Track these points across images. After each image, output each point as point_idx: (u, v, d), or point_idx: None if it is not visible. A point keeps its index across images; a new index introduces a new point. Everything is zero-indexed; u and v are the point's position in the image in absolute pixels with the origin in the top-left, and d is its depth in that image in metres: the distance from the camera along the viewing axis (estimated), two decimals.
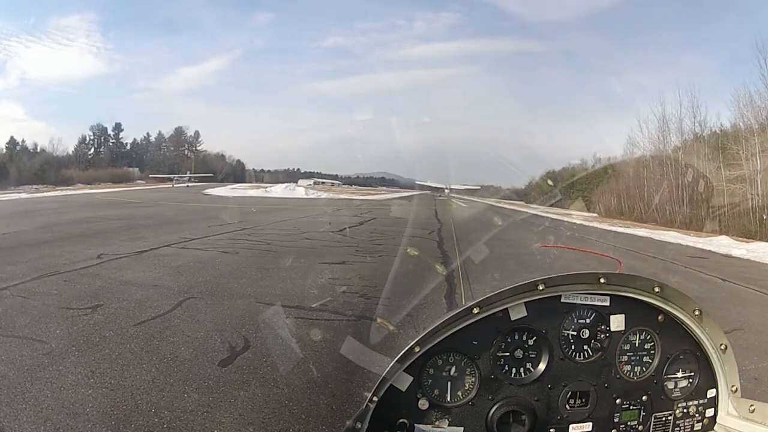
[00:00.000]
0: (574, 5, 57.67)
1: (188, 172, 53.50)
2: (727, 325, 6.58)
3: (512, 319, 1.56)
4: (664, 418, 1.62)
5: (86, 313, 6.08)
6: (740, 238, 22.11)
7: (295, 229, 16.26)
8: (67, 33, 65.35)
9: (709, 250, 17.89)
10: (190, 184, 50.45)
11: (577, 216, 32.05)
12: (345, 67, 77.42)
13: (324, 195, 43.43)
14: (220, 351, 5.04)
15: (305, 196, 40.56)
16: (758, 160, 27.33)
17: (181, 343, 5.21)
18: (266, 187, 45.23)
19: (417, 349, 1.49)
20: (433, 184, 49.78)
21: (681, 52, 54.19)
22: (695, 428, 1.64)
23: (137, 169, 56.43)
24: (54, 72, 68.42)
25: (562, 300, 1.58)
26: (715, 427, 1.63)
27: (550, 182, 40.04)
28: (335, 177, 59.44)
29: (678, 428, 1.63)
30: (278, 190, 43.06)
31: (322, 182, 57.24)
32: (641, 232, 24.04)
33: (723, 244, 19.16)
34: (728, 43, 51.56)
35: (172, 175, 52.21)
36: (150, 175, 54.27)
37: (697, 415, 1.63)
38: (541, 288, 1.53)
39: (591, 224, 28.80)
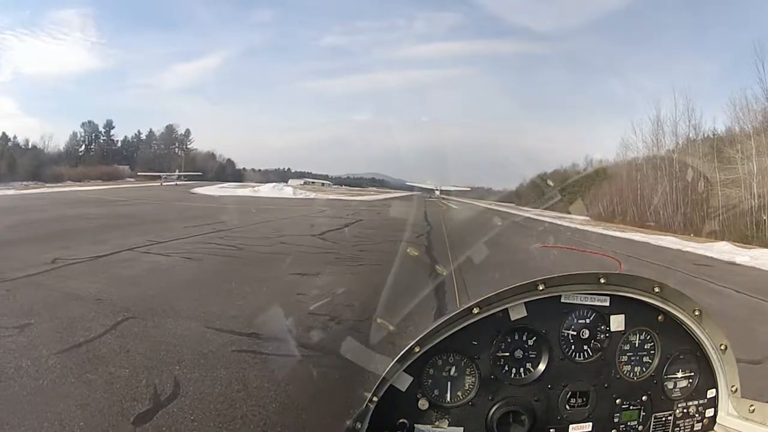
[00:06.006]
0: (572, 10, 56.93)
1: (177, 171, 52.24)
2: (758, 352, 5.71)
3: (512, 319, 1.56)
4: (664, 418, 1.62)
5: (11, 334, 5.30)
6: (740, 244, 21.76)
7: (274, 232, 15.33)
8: (62, 27, 64.00)
9: (712, 257, 17.18)
10: (178, 183, 49.75)
11: (569, 219, 31.05)
12: (339, 66, 76.75)
13: (312, 195, 42.63)
14: (139, 399, 4.04)
15: (293, 196, 39.82)
16: (754, 163, 27.03)
17: (99, 383, 4.28)
18: (254, 187, 43.89)
19: (417, 349, 1.50)
20: (424, 186, 49.37)
21: (677, 57, 53.53)
22: (695, 428, 1.63)
23: (127, 166, 55.38)
24: (48, 67, 67.40)
25: (562, 300, 1.57)
26: (715, 427, 1.62)
27: (550, 182, 39.09)
28: (325, 177, 58.76)
29: (678, 428, 1.62)
30: (266, 190, 42.41)
31: (312, 182, 56.60)
32: (638, 236, 23.40)
33: (724, 251, 18.49)
34: (725, 47, 51.23)
35: (161, 174, 50.86)
36: (138, 173, 52.89)
37: (697, 415, 1.63)
38: (541, 288, 1.53)
39: (585, 228, 28.22)
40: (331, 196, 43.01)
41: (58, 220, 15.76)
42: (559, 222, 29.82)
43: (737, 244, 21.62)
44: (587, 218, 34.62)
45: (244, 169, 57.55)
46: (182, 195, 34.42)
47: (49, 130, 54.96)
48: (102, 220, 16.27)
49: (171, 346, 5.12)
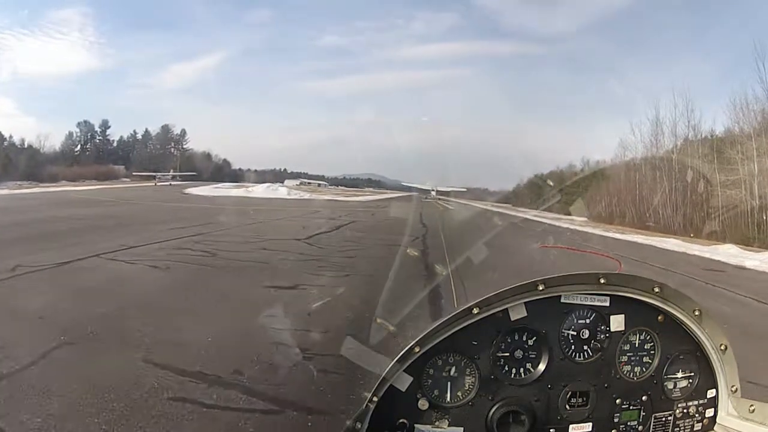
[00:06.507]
0: (570, 11, 56.10)
1: (171, 171, 51.64)
2: None
3: (512, 319, 1.56)
4: (664, 418, 1.62)
5: None
6: (746, 247, 21.21)
7: (257, 236, 14.33)
8: (60, 26, 63.61)
9: (721, 261, 16.39)
10: (173, 183, 49.34)
11: (567, 221, 30.11)
12: (337, 66, 76.00)
13: (307, 195, 41.97)
14: None
15: (287, 197, 39.18)
16: (755, 164, 26.51)
17: None
18: (248, 187, 43.01)
19: (417, 350, 1.49)
20: (420, 186, 48.47)
21: (676, 57, 52.81)
22: (695, 428, 1.63)
23: (123, 166, 54.93)
24: (46, 67, 67.00)
25: (562, 300, 1.57)
26: (715, 427, 1.63)
27: (550, 183, 38.19)
28: (322, 178, 58.13)
29: (678, 428, 1.63)
30: (260, 190, 41.74)
31: (309, 182, 55.93)
32: (640, 238, 22.53)
33: (731, 254, 17.90)
34: (725, 47, 50.61)
35: (155, 174, 50.11)
36: (133, 173, 52.37)
37: (697, 415, 1.63)
38: (540, 288, 1.53)
39: (584, 229, 28.01)
40: (327, 197, 42.47)
41: (39, 221, 15.10)
42: (557, 224, 28.99)
43: (743, 247, 21.08)
44: (585, 219, 33.80)
45: (240, 169, 57.46)
46: (174, 195, 33.82)
47: (47, 130, 54.99)
48: (83, 222, 15.48)
49: (97, 385, 4.13)
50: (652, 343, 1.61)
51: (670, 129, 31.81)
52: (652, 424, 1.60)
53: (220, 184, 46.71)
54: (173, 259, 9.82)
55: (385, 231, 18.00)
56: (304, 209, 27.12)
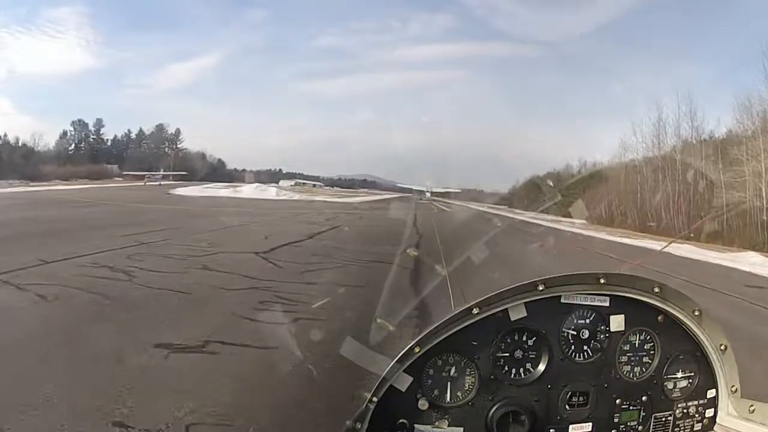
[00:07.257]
0: (570, 13, 54.91)
1: (161, 170, 51.24)
2: None
3: (512, 319, 1.56)
4: (664, 419, 1.61)
5: None
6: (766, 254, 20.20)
7: (208, 247, 11.89)
8: (57, 25, 63.10)
9: (752, 273, 14.60)
10: (162, 183, 48.56)
11: (566, 223, 28.36)
12: (334, 67, 75.19)
13: (296, 196, 41.48)
14: None
15: (276, 198, 38.59)
16: (762, 164, 25.71)
17: None
18: (236, 187, 41.66)
19: (417, 350, 1.49)
20: (414, 187, 48.50)
21: (679, 58, 52.13)
22: (695, 428, 1.63)
23: (116, 166, 54.46)
24: (43, 66, 68.69)
25: (562, 300, 1.57)
26: (714, 428, 1.62)
27: (550, 183, 36.81)
28: (317, 178, 58.77)
29: (678, 428, 1.62)
30: (248, 191, 41.19)
31: (303, 183, 55.63)
32: (651, 244, 20.66)
33: (757, 263, 16.82)
34: (729, 48, 50.15)
35: (145, 173, 49.44)
36: (124, 173, 51.98)
37: (696, 415, 1.62)
38: (540, 288, 1.52)
39: (587, 233, 26.90)
40: (318, 198, 41.85)
41: None
42: (556, 226, 27.95)
43: (764, 254, 19.82)
44: (584, 222, 32.19)
45: (235, 169, 56.77)
46: (156, 196, 32.55)
47: (43, 129, 55.64)
48: (41, 226, 14.21)
49: None
50: (652, 344, 1.61)
51: (673, 129, 31.56)
52: (651, 424, 1.59)
53: (210, 184, 46.30)
54: (75, 283, 7.34)
55: (372, 241, 15.53)
56: (288, 211, 25.93)
